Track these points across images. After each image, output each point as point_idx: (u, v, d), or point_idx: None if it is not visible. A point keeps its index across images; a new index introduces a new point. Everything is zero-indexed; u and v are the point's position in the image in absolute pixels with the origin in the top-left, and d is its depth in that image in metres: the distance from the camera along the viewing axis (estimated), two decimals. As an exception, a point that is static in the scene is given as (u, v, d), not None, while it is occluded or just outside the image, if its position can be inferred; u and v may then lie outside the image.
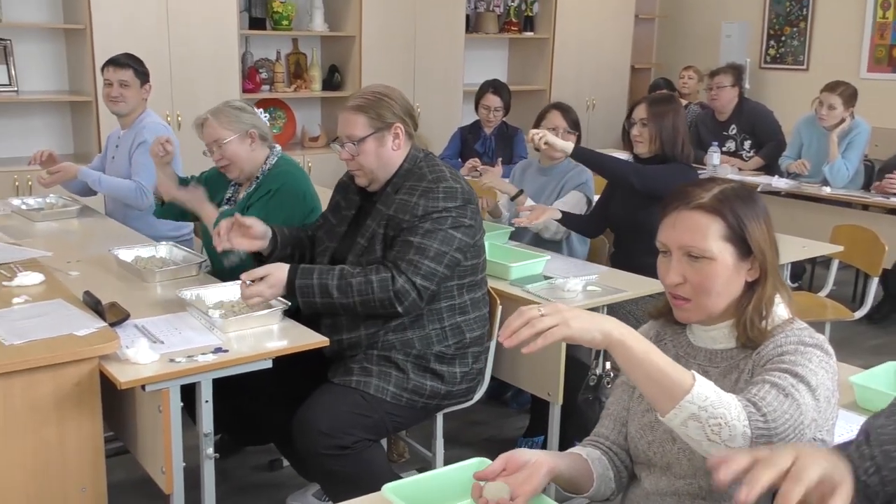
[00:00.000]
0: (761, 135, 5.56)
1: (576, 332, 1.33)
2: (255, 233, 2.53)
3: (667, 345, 1.66)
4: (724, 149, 5.52)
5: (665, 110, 3.24)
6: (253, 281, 2.36)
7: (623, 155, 5.37)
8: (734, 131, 5.61)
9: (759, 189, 4.61)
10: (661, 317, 1.69)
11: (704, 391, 1.32)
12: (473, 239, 2.46)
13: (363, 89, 2.52)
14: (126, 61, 3.78)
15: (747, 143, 5.58)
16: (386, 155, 2.45)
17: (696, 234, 1.51)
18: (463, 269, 2.46)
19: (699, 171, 5.14)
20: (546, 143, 3.34)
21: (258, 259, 2.63)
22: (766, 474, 1.07)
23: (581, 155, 3.33)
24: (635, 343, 1.35)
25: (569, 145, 3.35)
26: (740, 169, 5.41)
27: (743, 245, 1.51)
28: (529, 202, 3.50)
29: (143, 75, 3.80)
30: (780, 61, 7.24)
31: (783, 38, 7.22)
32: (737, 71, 5.58)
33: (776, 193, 4.86)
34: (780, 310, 1.55)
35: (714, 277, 1.50)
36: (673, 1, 7.89)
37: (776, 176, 5.11)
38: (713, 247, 1.50)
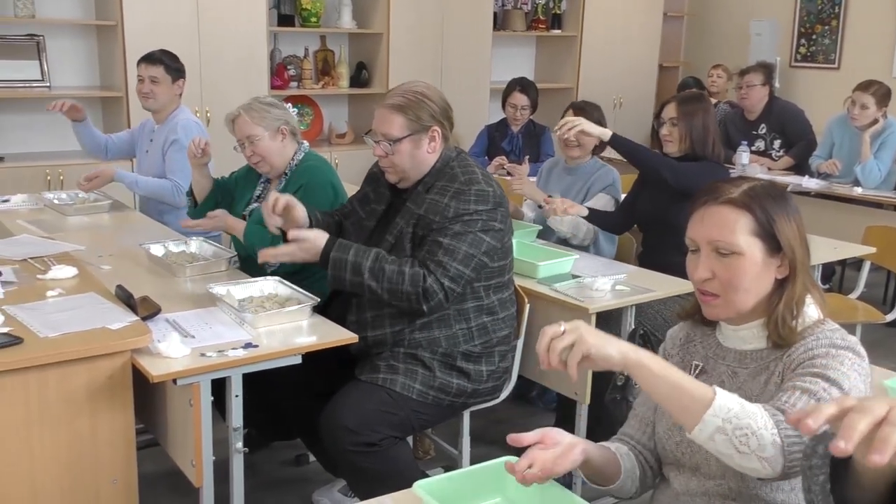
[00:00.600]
0: (791, 134, 5.51)
1: (592, 347, 1.34)
2: (296, 216, 2.54)
3: (696, 346, 1.66)
4: (753, 148, 5.47)
5: (695, 109, 3.22)
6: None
7: None
8: (764, 130, 5.56)
9: (788, 189, 4.56)
10: (689, 317, 1.69)
11: (727, 403, 1.32)
12: (502, 242, 2.46)
13: (404, 87, 2.49)
14: (158, 57, 3.81)
15: (777, 143, 5.53)
16: (420, 157, 2.44)
17: (725, 228, 1.50)
18: (490, 271, 2.45)
19: (728, 171, 5.11)
20: (583, 132, 3.30)
21: (286, 241, 2.66)
22: (862, 421, 0.97)
23: (617, 143, 3.29)
24: (652, 363, 1.35)
25: (606, 132, 3.30)
26: (770, 168, 5.36)
27: (772, 241, 1.51)
28: None
29: (175, 72, 3.83)
30: (811, 60, 7.15)
31: (814, 37, 7.13)
32: (767, 70, 5.52)
33: (806, 194, 4.80)
34: (812, 310, 1.54)
35: (742, 273, 1.50)
36: (702, -2, 7.84)
37: (806, 176, 5.05)
38: (741, 241, 1.49)
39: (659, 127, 3.32)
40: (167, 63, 3.81)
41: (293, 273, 2.77)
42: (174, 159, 3.71)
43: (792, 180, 4.93)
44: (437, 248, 2.35)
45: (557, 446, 1.46)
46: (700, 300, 1.58)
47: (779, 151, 5.52)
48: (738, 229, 1.50)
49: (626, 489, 1.63)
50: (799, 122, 5.54)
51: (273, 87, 5.69)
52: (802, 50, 7.22)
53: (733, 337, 1.59)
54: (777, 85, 6.24)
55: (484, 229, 2.38)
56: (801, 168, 5.34)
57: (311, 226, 2.60)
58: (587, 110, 3.62)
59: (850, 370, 1.41)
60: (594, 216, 3.39)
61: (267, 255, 2.42)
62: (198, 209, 3.21)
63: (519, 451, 1.52)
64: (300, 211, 2.55)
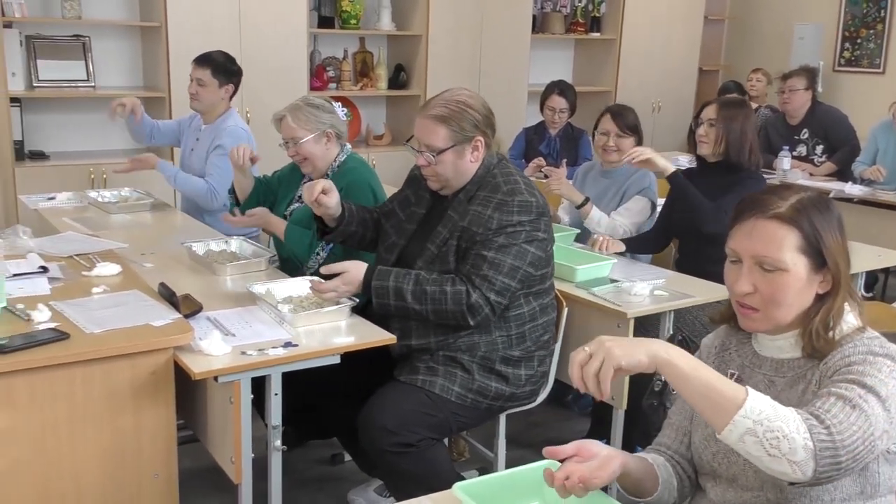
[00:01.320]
0: (834, 139, 5.42)
1: (621, 359, 1.34)
2: (330, 201, 2.55)
3: (731, 355, 1.64)
4: (795, 153, 5.40)
5: (735, 114, 3.18)
6: (329, 276, 2.40)
7: (687, 157, 5.29)
8: (806, 135, 5.48)
9: (830, 195, 4.49)
10: (723, 322, 1.66)
11: (758, 405, 1.30)
12: (545, 252, 2.46)
13: (446, 95, 2.46)
14: (206, 60, 3.83)
15: (819, 148, 5.45)
16: (464, 166, 2.44)
17: (771, 244, 1.47)
18: (533, 279, 2.45)
19: (769, 176, 5.04)
20: (649, 162, 3.22)
21: (322, 228, 2.68)
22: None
23: (675, 181, 3.19)
24: (683, 361, 1.34)
25: (669, 167, 3.21)
26: (812, 174, 5.28)
27: (818, 257, 1.48)
28: (595, 211, 3.46)
29: (223, 75, 3.83)
30: (856, 64, 7.04)
31: (859, 41, 7.02)
32: (810, 74, 5.44)
33: (849, 200, 4.72)
34: (850, 318, 1.51)
35: (786, 289, 1.47)
36: (744, 2, 7.74)
37: (849, 182, 4.97)
38: (787, 258, 1.47)
39: (696, 127, 3.28)
40: (215, 67, 3.81)
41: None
42: (215, 164, 3.74)
43: (834, 186, 4.86)
44: (481, 261, 2.35)
45: (594, 459, 1.46)
46: (738, 312, 1.55)
47: (821, 157, 5.44)
48: (786, 246, 1.47)
49: (664, 501, 1.61)
50: (842, 127, 5.46)
51: (312, 88, 5.73)
52: (847, 54, 7.11)
53: (770, 346, 1.57)
54: (820, 90, 6.15)
55: (528, 240, 2.38)
56: (843, 174, 5.25)
57: (343, 215, 2.61)
58: (623, 114, 3.60)
59: (889, 378, 1.38)
60: (631, 244, 3.33)
61: (315, 290, 2.44)
62: (240, 208, 3.24)
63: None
64: (334, 197, 2.56)
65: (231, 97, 3.92)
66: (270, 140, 3.15)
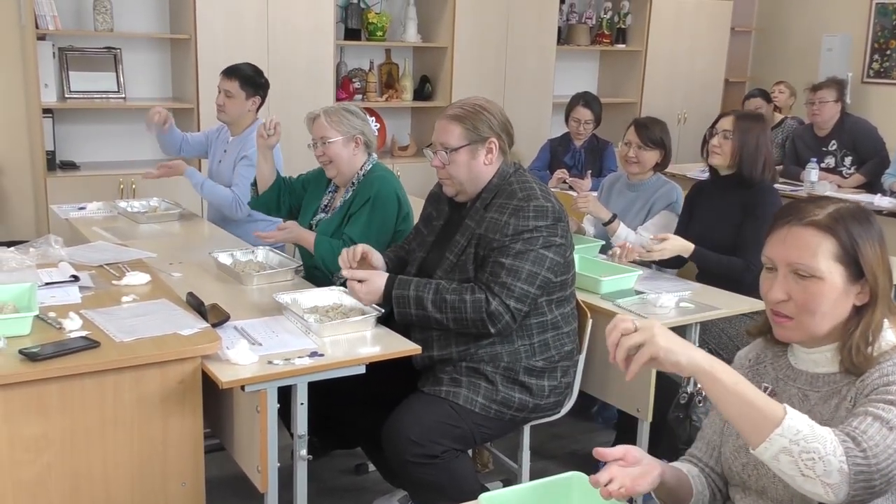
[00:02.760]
0: (863, 151, 5.37)
1: (660, 351, 1.33)
2: (373, 262, 2.58)
3: (766, 367, 1.63)
4: (823, 165, 5.35)
5: (751, 126, 3.16)
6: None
7: (699, 166, 5.25)
8: (834, 147, 5.43)
9: (859, 208, 4.44)
10: (760, 335, 1.65)
11: (796, 424, 1.29)
12: (564, 257, 2.46)
13: (464, 100, 2.54)
14: (235, 71, 3.87)
15: (848, 160, 5.40)
16: (477, 168, 2.47)
17: (806, 251, 1.46)
18: (552, 286, 2.45)
19: (796, 188, 5.01)
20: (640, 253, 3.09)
21: None
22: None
23: (698, 257, 3.11)
24: (724, 374, 1.33)
25: (689, 247, 3.08)
26: (840, 186, 5.23)
27: (855, 267, 1.46)
28: (622, 228, 3.44)
29: (251, 87, 3.87)
30: (885, 76, 6.98)
31: (888, 52, 6.96)
32: (839, 86, 5.40)
33: (878, 212, 4.67)
34: (889, 335, 1.49)
35: (820, 297, 1.46)
36: (771, 13, 7.70)
37: (878, 194, 4.92)
38: (822, 266, 1.45)
39: (710, 137, 3.26)
40: (243, 78, 3.85)
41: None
42: (241, 174, 3.77)
43: (863, 198, 4.81)
44: (499, 269, 2.36)
45: (637, 465, 1.45)
46: (772, 321, 1.54)
47: (849, 169, 5.39)
48: (821, 253, 1.46)
49: None
50: (871, 138, 5.41)
51: (338, 99, 5.77)
52: (876, 65, 7.04)
53: (805, 360, 1.55)
54: (848, 101, 6.09)
55: (546, 245, 2.38)
56: (872, 186, 5.20)
57: (388, 269, 2.63)
58: (649, 127, 3.58)
59: None
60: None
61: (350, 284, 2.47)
62: (259, 199, 3.25)
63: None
64: (376, 258, 2.59)
65: (258, 109, 3.96)
66: (297, 151, 3.19)
